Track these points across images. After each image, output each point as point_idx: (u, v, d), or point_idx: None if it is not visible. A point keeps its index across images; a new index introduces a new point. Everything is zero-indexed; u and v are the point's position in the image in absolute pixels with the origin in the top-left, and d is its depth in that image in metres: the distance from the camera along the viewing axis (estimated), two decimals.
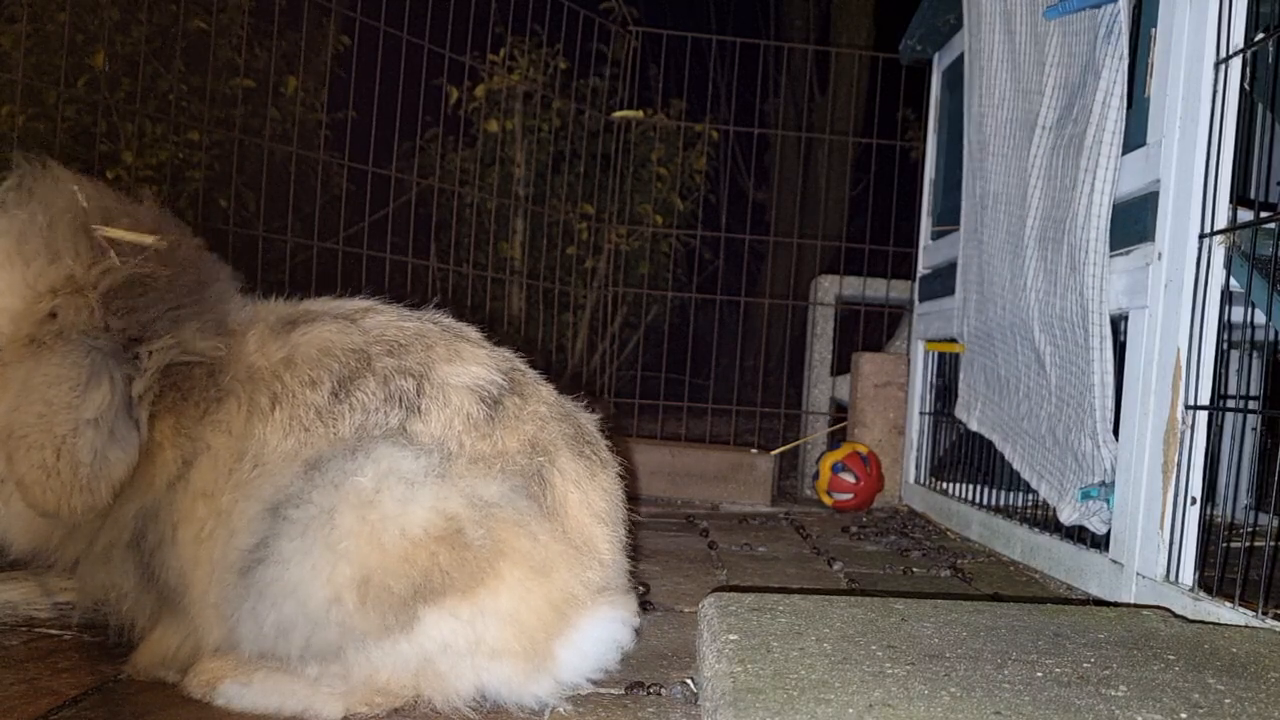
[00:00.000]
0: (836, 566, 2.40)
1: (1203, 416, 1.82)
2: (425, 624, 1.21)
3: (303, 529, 1.20)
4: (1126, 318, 2.07)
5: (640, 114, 4.98)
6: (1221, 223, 1.79)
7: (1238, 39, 1.78)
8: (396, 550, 1.19)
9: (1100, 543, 2.12)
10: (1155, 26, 1.99)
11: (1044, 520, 2.51)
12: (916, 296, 3.58)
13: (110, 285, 1.30)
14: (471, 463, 1.27)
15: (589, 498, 1.35)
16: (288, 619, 1.19)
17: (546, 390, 1.43)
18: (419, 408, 1.28)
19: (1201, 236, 1.81)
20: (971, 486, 3.01)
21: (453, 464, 1.25)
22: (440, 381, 1.31)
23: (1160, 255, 1.92)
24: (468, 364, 1.35)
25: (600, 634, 1.33)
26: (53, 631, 1.55)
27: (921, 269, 3.57)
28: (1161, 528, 1.86)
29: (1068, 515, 2.19)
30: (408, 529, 1.19)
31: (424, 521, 1.20)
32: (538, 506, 1.28)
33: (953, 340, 3.06)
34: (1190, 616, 1.67)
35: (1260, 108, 1.96)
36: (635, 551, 1.51)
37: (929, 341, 3.40)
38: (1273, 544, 1.93)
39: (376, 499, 1.20)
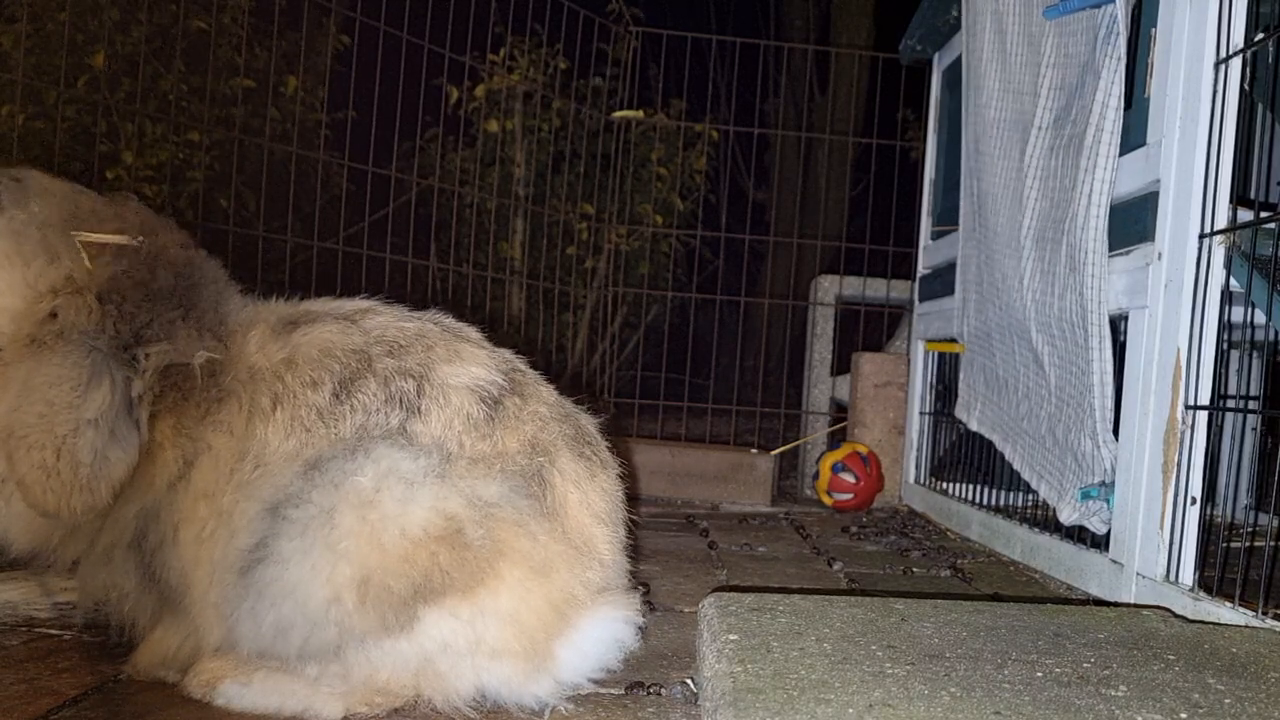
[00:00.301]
0: (836, 566, 2.40)
1: (1203, 416, 1.82)
2: (425, 624, 1.21)
3: (302, 529, 1.20)
4: (1126, 318, 2.07)
5: (640, 114, 4.98)
6: (1221, 223, 1.79)
7: (1238, 39, 1.78)
8: (396, 550, 1.19)
9: (1100, 543, 2.12)
10: (1155, 26, 1.99)
11: (1044, 520, 2.51)
12: (916, 296, 3.58)
13: (101, 287, 1.31)
14: (471, 463, 1.27)
15: (589, 498, 1.35)
16: (286, 618, 1.19)
17: (547, 391, 1.43)
18: (419, 408, 1.29)
19: (1201, 236, 1.81)
20: (971, 486, 3.01)
21: (453, 464, 1.25)
22: (440, 382, 1.31)
23: (1160, 255, 1.92)
24: (468, 364, 1.35)
25: (601, 634, 1.33)
26: (53, 631, 1.55)
27: (921, 269, 3.57)
28: (1161, 528, 1.86)
29: (1068, 515, 2.19)
30: (407, 529, 1.20)
31: (424, 521, 1.20)
32: (538, 506, 1.28)
33: (953, 340, 3.06)
34: (1190, 616, 1.67)
35: (1260, 108, 1.96)
36: (635, 551, 1.51)
37: (929, 341, 3.40)
38: (1273, 544, 1.93)
39: (376, 499, 1.20)
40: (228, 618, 1.23)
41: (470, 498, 1.23)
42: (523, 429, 1.33)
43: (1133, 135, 2.06)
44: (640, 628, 1.39)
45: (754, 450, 3.71)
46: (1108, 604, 1.96)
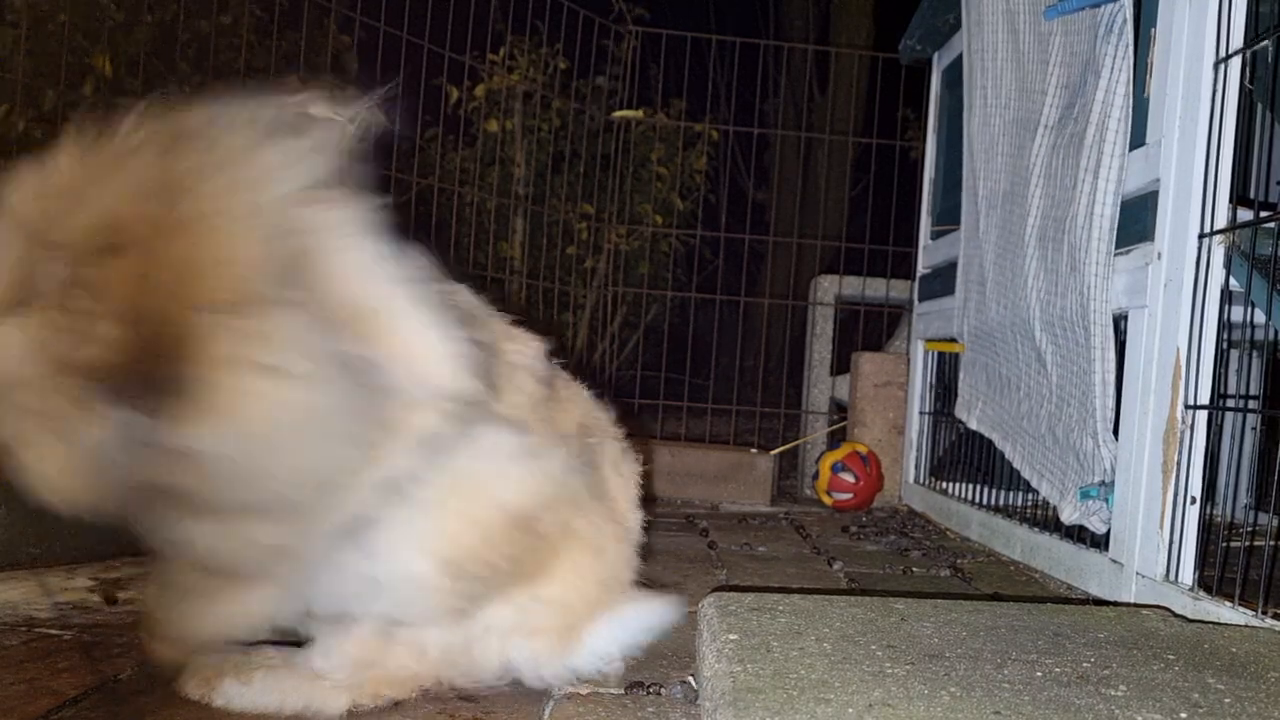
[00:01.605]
0: (836, 566, 2.40)
1: (1202, 416, 1.82)
2: (489, 606, 1.20)
3: (404, 502, 1.15)
4: (1126, 317, 2.07)
5: (640, 114, 4.98)
6: (1221, 222, 1.79)
7: (1238, 39, 1.78)
8: (488, 531, 1.17)
9: (1100, 542, 2.12)
10: (1155, 26, 1.99)
11: (1044, 520, 2.51)
12: (916, 296, 3.58)
13: None
14: (544, 442, 1.25)
15: (625, 482, 1.35)
16: (372, 585, 1.17)
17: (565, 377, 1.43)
18: (496, 385, 1.24)
19: (1201, 236, 1.81)
20: (971, 486, 3.01)
21: (533, 443, 1.23)
22: (507, 359, 1.29)
23: (1160, 255, 1.92)
24: (520, 342, 1.33)
25: (636, 616, 1.33)
26: (53, 631, 1.55)
27: (921, 268, 3.57)
28: (1161, 527, 1.86)
29: (1068, 515, 2.19)
30: (504, 507, 1.18)
31: (514, 503, 1.18)
32: (594, 489, 1.27)
33: (953, 340, 3.06)
34: (1190, 616, 1.67)
35: (1260, 108, 1.96)
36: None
37: (929, 341, 3.40)
38: (1273, 544, 1.93)
39: (477, 478, 1.18)
40: (310, 579, 1.20)
41: (548, 478, 1.22)
42: (573, 410, 1.32)
43: (1133, 135, 2.06)
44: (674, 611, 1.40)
45: (754, 450, 3.71)
46: (1108, 604, 1.96)
